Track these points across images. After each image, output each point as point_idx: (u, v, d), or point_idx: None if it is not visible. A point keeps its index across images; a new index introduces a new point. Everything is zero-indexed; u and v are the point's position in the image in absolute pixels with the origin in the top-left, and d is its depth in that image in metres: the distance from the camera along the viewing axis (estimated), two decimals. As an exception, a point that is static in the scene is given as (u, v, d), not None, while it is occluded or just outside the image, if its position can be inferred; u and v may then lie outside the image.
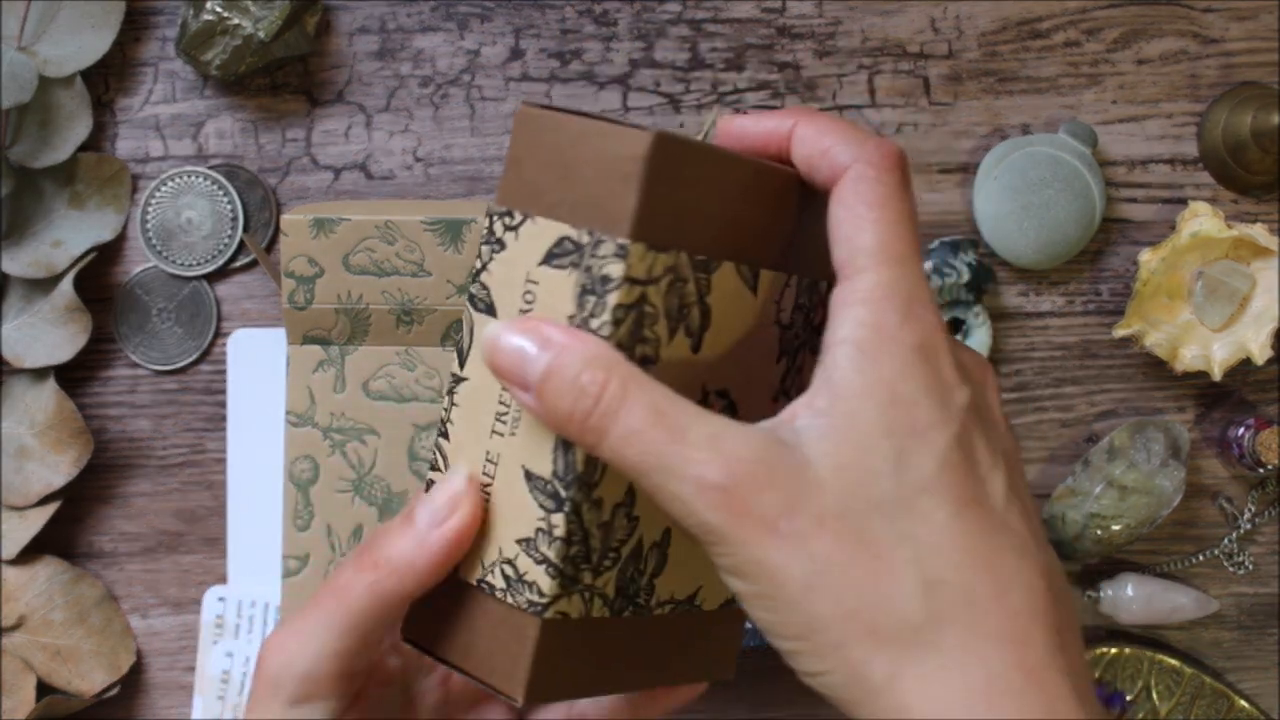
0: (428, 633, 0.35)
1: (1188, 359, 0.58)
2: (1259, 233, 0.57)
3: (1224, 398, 0.61)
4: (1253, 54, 0.61)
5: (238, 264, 0.60)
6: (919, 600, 0.29)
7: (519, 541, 0.33)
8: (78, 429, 0.57)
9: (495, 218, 0.34)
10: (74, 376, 0.59)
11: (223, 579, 0.59)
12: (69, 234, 0.58)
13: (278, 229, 0.59)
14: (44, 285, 0.58)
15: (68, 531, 0.59)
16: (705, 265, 0.33)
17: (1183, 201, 0.61)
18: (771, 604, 0.30)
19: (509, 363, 0.32)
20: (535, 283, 0.33)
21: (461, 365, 0.35)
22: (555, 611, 0.33)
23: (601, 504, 0.33)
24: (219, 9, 0.56)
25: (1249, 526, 0.61)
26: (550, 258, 0.33)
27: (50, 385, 0.58)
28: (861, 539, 0.30)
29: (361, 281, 0.53)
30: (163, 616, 0.60)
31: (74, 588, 0.58)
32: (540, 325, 0.32)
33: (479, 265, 0.34)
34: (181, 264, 0.59)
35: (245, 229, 0.59)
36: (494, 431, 0.34)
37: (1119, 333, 0.58)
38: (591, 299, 0.32)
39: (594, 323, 0.32)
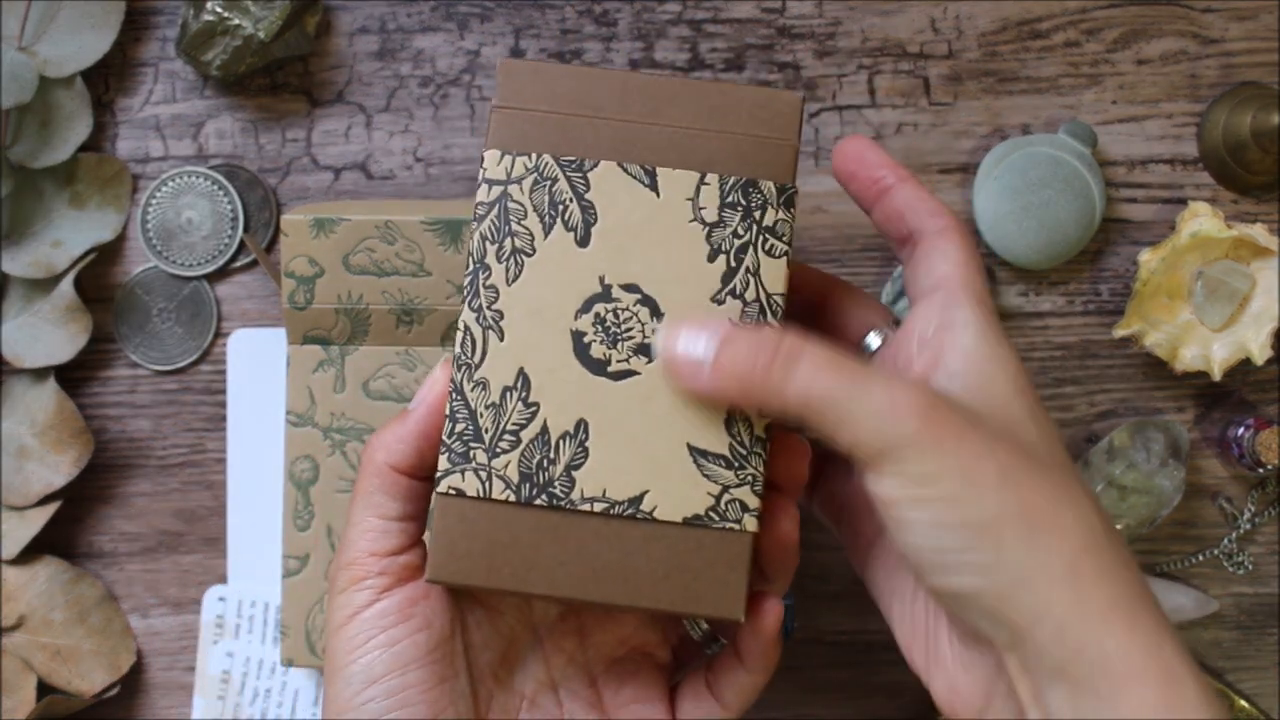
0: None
1: (1188, 359, 0.58)
2: (1259, 233, 0.57)
3: (1224, 398, 0.61)
4: (1253, 54, 0.61)
5: (238, 264, 0.60)
6: (1094, 513, 0.35)
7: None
8: (78, 429, 0.57)
9: None
10: (74, 376, 0.59)
11: (223, 579, 0.59)
12: (69, 234, 0.58)
13: (278, 229, 0.59)
14: (44, 285, 0.58)
15: (68, 531, 0.60)
16: (579, 165, 0.38)
17: (1183, 201, 0.61)
18: (959, 501, 0.34)
19: (681, 354, 0.36)
20: None
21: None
22: (447, 486, 0.36)
23: (487, 385, 0.37)
24: (219, 9, 0.56)
25: (1249, 526, 0.61)
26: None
27: (50, 385, 0.58)
28: (1031, 458, 0.35)
29: (361, 281, 0.53)
30: (163, 616, 0.60)
31: (74, 588, 0.58)
32: (701, 318, 0.36)
33: None
34: (182, 264, 0.59)
35: (245, 229, 0.59)
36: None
37: (1119, 333, 0.58)
38: (475, 209, 0.38)
39: (472, 224, 0.37)
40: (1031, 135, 0.59)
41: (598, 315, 0.37)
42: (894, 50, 0.60)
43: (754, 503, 0.37)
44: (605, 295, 0.37)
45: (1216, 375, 0.58)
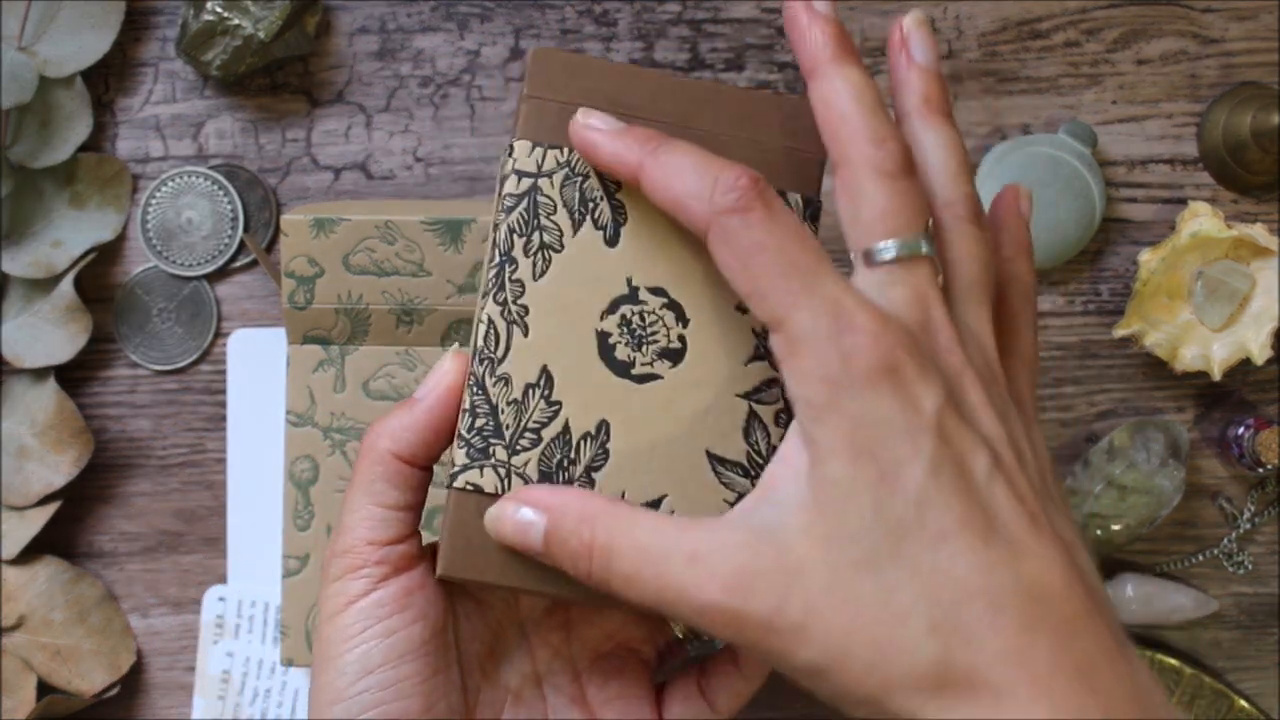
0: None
1: (1187, 359, 0.58)
2: (1259, 233, 0.57)
3: (1224, 398, 0.61)
4: (1253, 54, 0.61)
5: (238, 264, 0.60)
6: (923, 649, 0.29)
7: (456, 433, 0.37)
8: (78, 429, 0.57)
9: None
10: (74, 376, 0.59)
11: (223, 579, 0.59)
12: (69, 234, 0.58)
13: (278, 229, 0.59)
14: (44, 285, 0.58)
15: (68, 531, 0.60)
16: None
17: (1183, 201, 0.61)
18: (802, 679, 0.32)
19: (516, 539, 0.35)
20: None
21: None
22: (465, 482, 0.36)
23: (509, 381, 0.36)
24: (219, 9, 0.56)
25: (1248, 526, 0.61)
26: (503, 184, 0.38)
27: (50, 385, 0.58)
28: (854, 608, 0.30)
29: (361, 281, 0.53)
30: (163, 616, 0.60)
31: (74, 587, 0.58)
32: (529, 493, 0.35)
33: None
34: (181, 264, 0.59)
35: (245, 229, 0.59)
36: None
37: (1119, 333, 0.58)
38: (499, 198, 0.37)
39: (498, 214, 0.37)
40: (1031, 135, 0.59)
41: (624, 317, 0.37)
42: (894, 50, 0.60)
43: None
44: (632, 297, 0.37)
45: (1216, 375, 0.58)
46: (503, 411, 0.36)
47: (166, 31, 0.60)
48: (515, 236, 0.37)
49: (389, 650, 0.36)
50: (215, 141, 0.60)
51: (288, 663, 0.54)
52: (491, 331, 0.36)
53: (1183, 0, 0.61)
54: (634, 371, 0.37)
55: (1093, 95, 0.61)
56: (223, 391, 0.60)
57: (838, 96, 0.33)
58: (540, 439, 0.36)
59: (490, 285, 0.37)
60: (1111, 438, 0.58)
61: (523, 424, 0.36)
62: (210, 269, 0.59)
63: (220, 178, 0.59)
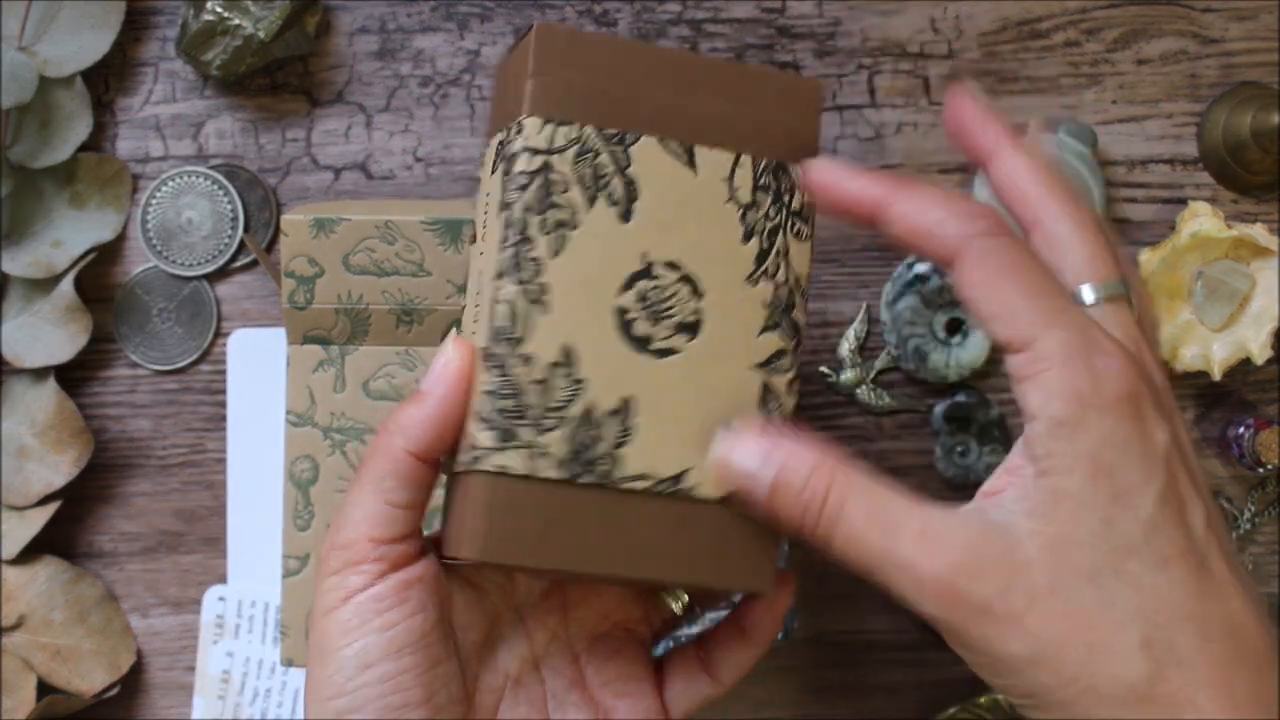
0: (447, 540, 0.38)
1: (1188, 359, 0.58)
2: (1259, 233, 0.57)
3: (1224, 398, 0.61)
4: (1253, 54, 0.61)
5: (238, 264, 0.60)
6: (1134, 661, 0.31)
7: (472, 415, 0.36)
8: (78, 429, 0.57)
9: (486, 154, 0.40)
10: (74, 376, 0.59)
11: (223, 579, 0.59)
12: (69, 234, 0.58)
13: (278, 229, 0.59)
14: (44, 285, 0.58)
15: (68, 531, 0.59)
16: (620, 139, 0.37)
17: (1183, 201, 0.61)
18: (998, 672, 0.32)
19: (742, 479, 0.35)
20: (488, 193, 0.38)
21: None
22: (493, 465, 0.35)
23: (532, 360, 0.36)
24: (219, 9, 0.56)
25: (1249, 526, 0.61)
26: (493, 168, 0.38)
27: (50, 385, 0.58)
28: (1074, 611, 0.31)
29: (361, 281, 0.53)
30: (163, 616, 0.60)
31: (74, 587, 0.58)
32: (762, 440, 0.35)
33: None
34: (181, 264, 0.59)
35: (245, 229, 0.59)
36: (470, 333, 0.38)
37: (1119, 333, 0.58)
38: (507, 178, 0.36)
39: (510, 194, 0.36)
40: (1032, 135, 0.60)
41: (640, 292, 0.37)
42: (894, 50, 0.60)
43: None
44: (647, 272, 0.37)
45: (1216, 375, 0.58)
46: (527, 392, 0.36)
47: (166, 31, 0.60)
48: (531, 215, 0.36)
49: (389, 644, 0.36)
50: (215, 141, 0.60)
51: (288, 663, 0.54)
52: (512, 311, 0.36)
53: (1183, 0, 0.61)
54: (653, 346, 0.37)
55: (1093, 95, 0.61)
56: (223, 391, 0.60)
57: (1025, 169, 0.36)
58: (565, 417, 0.36)
59: (506, 265, 0.36)
60: (1111, 438, 0.58)
61: (548, 403, 0.36)
62: (210, 269, 0.59)
63: (220, 178, 0.59)
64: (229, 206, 0.59)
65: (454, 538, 0.37)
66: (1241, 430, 0.59)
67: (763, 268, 0.38)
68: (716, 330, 0.37)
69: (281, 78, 0.60)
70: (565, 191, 0.36)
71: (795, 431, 0.36)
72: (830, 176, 0.37)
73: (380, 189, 0.60)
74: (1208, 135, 0.60)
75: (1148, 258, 0.58)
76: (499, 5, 0.60)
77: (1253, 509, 0.61)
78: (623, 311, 0.37)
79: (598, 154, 0.37)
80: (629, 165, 0.37)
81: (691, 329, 0.37)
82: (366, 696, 0.36)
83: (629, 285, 0.37)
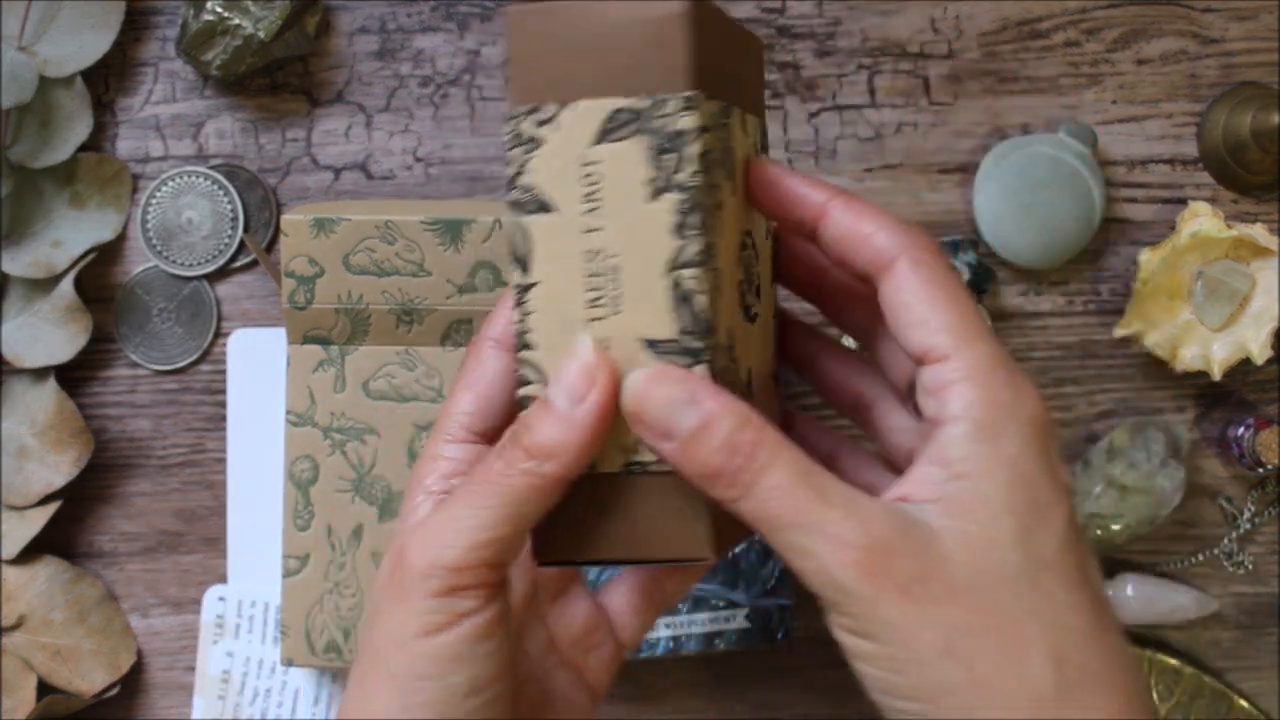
0: (569, 546, 0.35)
1: (1187, 359, 0.58)
2: (1259, 233, 0.57)
3: (1224, 398, 0.61)
4: (1253, 54, 0.61)
5: (238, 264, 0.60)
6: (1049, 674, 0.31)
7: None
8: (78, 429, 0.57)
9: (521, 118, 0.35)
10: (74, 376, 0.59)
11: (223, 579, 0.59)
12: (69, 234, 0.58)
13: (278, 229, 0.59)
14: (44, 285, 0.58)
15: (68, 531, 0.59)
16: (726, 111, 0.35)
17: (1183, 201, 0.61)
18: (899, 666, 0.31)
19: (655, 413, 0.32)
20: (595, 163, 0.34)
21: (525, 270, 0.35)
22: (657, 467, 0.34)
23: (720, 348, 0.34)
24: (219, 9, 0.56)
25: (1249, 526, 0.61)
26: (605, 134, 0.34)
27: (50, 385, 0.58)
28: (992, 610, 0.31)
29: (361, 281, 0.53)
30: (163, 616, 0.60)
31: (74, 587, 0.58)
32: (688, 379, 0.32)
33: (515, 170, 0.35)
34: (182, 264, 0.59)
35: (245, 229, 0.59)
36: (592, 318, 0.34)
37: (1119, 333, 0.58)
38: (671, 156, 0.33)
39: (680, 176, 0.33)
40: (1031, 135, 0.59)
41: (745, 263, 0.37)
42: (894, 50, 0.60)
43: None
44: (745, 243, 0.37)
45: (1216, 375, 0.58)
46: (723, 378, 0.34)
47: (166, 31, 0.60)
48: (706, 196, 0.34)
49: (497, 669, 0.34)
50: (215, 141, 0.60)
51: (288, 663, 0.54)
52: (709, 301, 0.33)
53: (1183, 0, 0.61)
54: (751, 313, 0.38)
55: (1093, 95, 0.61)
56: (223, 391, 0.60)
57: (870, 213, 0.36)
58: None
59: (691, 253, 0.33)
60: (1111, 438, 0.58)
61: (734, 390, 0.35)
62: (210, 269, 0.59)
63: (220, 178, 0.59)
64: (229, 206, 0.59)
65: (664, 544, 0.34)
66: (1241, 430, 0.59)
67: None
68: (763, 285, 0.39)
69: (281, 78, 0.60)
70: (718, 169, 0.34)
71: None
72: (774, 175, 0.36)
73: (380, 189, 0.60)
74: (1208, 135, 0.60)
75: (1148, 258, 0.58)
76: (499, 5, 0.60)
77: (1253, 509, 0.61)
78: (740, 285, 0.36)
79: (724, 128, 0.35)
80: (731, 138, 0.36)
81: (756, 290, 0.38)
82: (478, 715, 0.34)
83: (739, 259, 0.36)
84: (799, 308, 0.43)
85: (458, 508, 0.33)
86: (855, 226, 0.35)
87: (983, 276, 0.58)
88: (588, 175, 0.34)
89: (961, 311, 0.33)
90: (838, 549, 0.31)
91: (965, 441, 0.32)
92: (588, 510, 0.35)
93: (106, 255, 0.60)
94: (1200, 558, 0.61)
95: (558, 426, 0.33)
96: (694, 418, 0.32)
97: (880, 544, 0.31)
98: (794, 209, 0.36)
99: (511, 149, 0.35)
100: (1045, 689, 0.30)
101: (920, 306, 0.33)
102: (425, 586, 0.33)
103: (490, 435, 0.35)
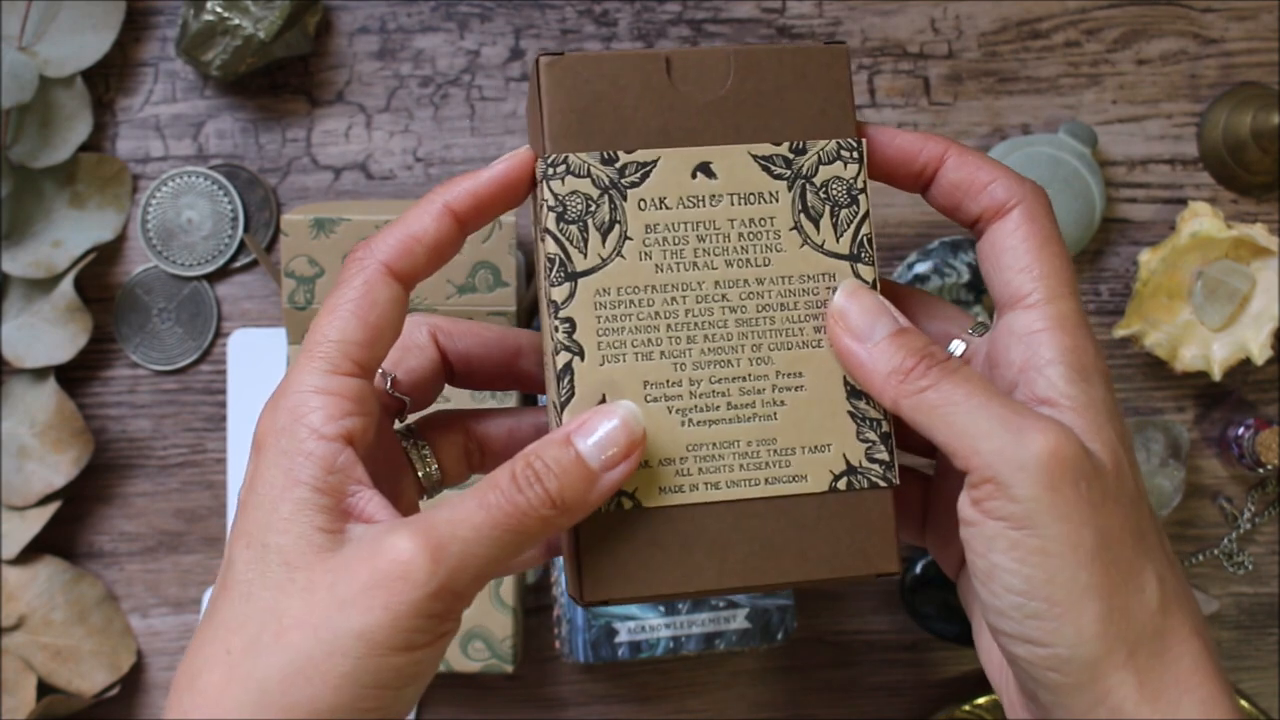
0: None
1: (1187, 359, 0.58)
2: (1259, 233, 0.57)
3: (1224, 398, 0.61)
4: (1253, 54, 0.61)
5: (238, 264, 0.60)
6: (1156, 591, 0.33)
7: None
8: (78, 429, 0.57)
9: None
10: (74, 376, 0.59)
11: (223, 579, 0.59)
12: (69, 234, 0.58)
13: (278, 229, 0.59)
14: (44, 285, 0.58)
15: (68, 531, 0.60)
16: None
17: (1183, 201, 0.61)
18: (1050, 563, 0.32)
19: (860, 315, 0.35)
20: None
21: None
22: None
23: None
24: (219, 9, 0.56)
25: (1249, 526, 0.61)
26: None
27: (50, 385, 0.58)
28: (1129, 525, 0.33)
29: (361, 281, 0.53)
30: (163, 616, 0.60)
31: (74, 587, 0.58)
32: (883, 300, 0.35)
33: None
34: (182, 264, 0.59)
35: (245, 229, 0.59)
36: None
37: (1119, 333, 0.58)
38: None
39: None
40: (1031, 135, 0.59)
41: None
42: (894, 50, 0.60)
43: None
44: None
45: (1216, 375, 0.58)
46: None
47: (166, 31, 0.60)
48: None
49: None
50: (215, 141, 0.60)
51: (288, 663, 0.54)
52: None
53: (1182, 0, 0.61)
54: None
55: (1093, 95, 0.61)
56: (223, 391, 0.60)
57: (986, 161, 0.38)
58: None
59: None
60: (1111, 438, 0.58)
61: None
62: (210, 269, 0.59)
63: (220, 178, 0.59)
64: (229, 206, 0.59)
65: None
66: (1241, 430, 0.59)
67: None
68: None
69: (281, 78, 0.60)
70: None
71: None
72: (889, 132, 0.38)
73: (380, 189, 0.60)
74: (1208, 135, 0.60)
75: (1148, 258, 0.58)
76: (499, 5, 0.60)
77: (1253, 509, 0.61)
78: None
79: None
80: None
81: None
82: None
83: None
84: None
85: (476, 543, 0.32)
86: (974, 174, 0.36)
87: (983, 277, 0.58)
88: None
89: (1060, 267, 0.35)
90: (1030, 435, 0.32)
91: (1065, 382, 0.34)
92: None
93: (106, 255, 0.60)
94: (1200, 558, 0.61)
95: (586, 485, 0.33)
96: (894, 323, 0.34)
97: (1064, 440, 0.32)
98: (915, 158, 0.37)
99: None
100: (1154, 603, 0.33)
101: (1026, 254, 0.35)
102: (429, 605, 0.31)
103: (370, 369, 0.34)
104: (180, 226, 0.59)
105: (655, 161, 0.35)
